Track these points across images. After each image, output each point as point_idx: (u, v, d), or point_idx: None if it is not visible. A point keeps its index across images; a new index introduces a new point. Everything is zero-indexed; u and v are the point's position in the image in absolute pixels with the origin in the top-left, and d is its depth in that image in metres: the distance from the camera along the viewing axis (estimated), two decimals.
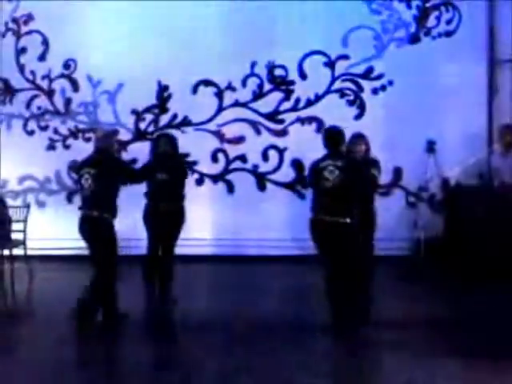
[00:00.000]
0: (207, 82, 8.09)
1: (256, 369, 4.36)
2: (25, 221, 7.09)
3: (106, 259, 5.23)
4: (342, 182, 4.98)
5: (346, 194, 4.99)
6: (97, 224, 5.31)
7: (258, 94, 8.09)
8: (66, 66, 8.22)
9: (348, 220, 4.95)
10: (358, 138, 5.74)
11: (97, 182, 5.27)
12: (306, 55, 8.01)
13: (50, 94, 8.28)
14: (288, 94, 8.08)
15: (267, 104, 8.08)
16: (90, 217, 5.33)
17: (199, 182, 8.09)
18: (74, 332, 5.25)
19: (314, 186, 5.25)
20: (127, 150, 8.01)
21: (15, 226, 7.00)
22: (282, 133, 8.08)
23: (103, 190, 5.29)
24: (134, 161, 7.97)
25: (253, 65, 8.04)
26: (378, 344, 4.93)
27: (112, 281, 5.31)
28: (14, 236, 6.94)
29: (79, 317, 5.23)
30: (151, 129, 8.17)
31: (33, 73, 8.27)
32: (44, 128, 8.29)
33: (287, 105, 8.08)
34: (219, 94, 8.10)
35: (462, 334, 5.09)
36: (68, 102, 8.26)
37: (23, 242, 6.98)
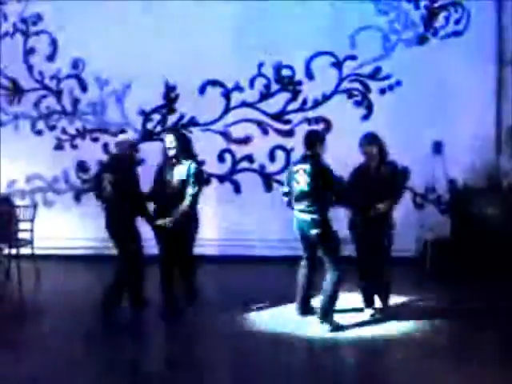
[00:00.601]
0: (214, 83, 8.10)
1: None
2: (32, 220, 7.11)
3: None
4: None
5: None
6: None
7: (265, 95, 8.10)
8: (74, 66, 8.26)
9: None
10: (367, 138, 5.57)
11: None
12: (314, 55, 8.01)
13: (58, 94, 8.32)
14: (295, 94, 8.07)
15: (274, 104, 8.08)
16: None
17: (206, 181, 8.10)
18: (81, 330, 5.28)
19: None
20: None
21: (23, 226, 7.02)
22: (289, 133, 8.07)
23: None
24: (142, 161, 8.01)
25: (260, 65, 8.05)
26: (385, 342, 4.94)
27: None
28: (21, 235, 6.97)
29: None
30: (158, 129, 8.20)
31: (41, 73, 8.32)
32: (52, 128, 8.34)
33: (294, 105, 8.08)
34: (226, 95, 8.12)
35: (468, 333, 5.08)
36: (76, 102, 8.30)
37: (30, 242, 7.00)
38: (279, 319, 5.51)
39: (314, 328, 5.17)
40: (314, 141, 5.37)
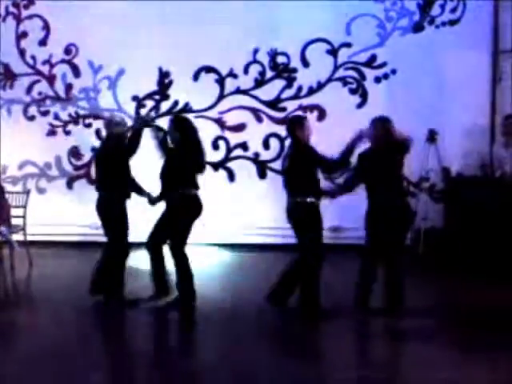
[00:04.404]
0: (209, 69, 8.05)
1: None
2: (24, 206, 7.07)
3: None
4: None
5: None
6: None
7: (260, 82, 8.06)
8: (67, 51, 8.18)
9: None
10: (374, 122, 5.34)
11: None
12: (309, 42, 7.97)
13: (50, 79, 8.24)
14: (290, 81, 8.04)
15: (269, 91, 8.05)
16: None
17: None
18: (72, 317, 5.26)
19: None
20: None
21: (15, 212, 6.97)
22: (284, 121, 8.02)
23: None
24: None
25: (255, 52, 8.00)
26: (376, 331, 4.96)
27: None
28: (13, 221, 6.92)
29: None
30: (152, 115, 8.14)
31: (33, 58, 8.23)
32: (44, 113, 8.27)
33: (289, 92, 8.05)
34: (221, 81, 8.07)
35: (460, 323, 5.10)
36: (69, 87, 8.22)
37: (23, 228, 6.96)
38: None
39: None
40: (291, 127, 5.39)
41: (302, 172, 5.24)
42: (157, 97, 8.15)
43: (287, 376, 4.03)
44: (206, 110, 8.04)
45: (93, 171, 8.04)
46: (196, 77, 8.06)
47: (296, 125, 5.38)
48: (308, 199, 5.18)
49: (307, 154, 5.25)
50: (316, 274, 5.20)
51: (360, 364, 4.34)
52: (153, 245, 5.52)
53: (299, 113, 7.90)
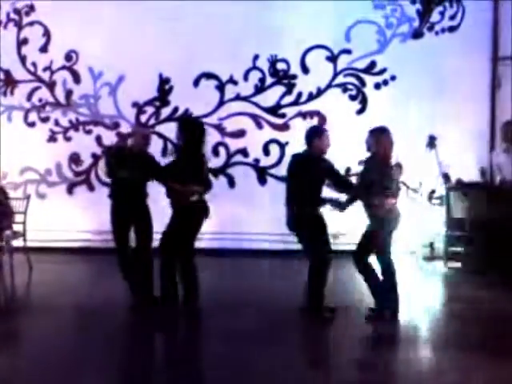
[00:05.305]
0: (209, 75, 8.07)
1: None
2: (25, 212, 7.07)
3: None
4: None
5: None
6: None
7: (260, 88, 8.08)
8: (68, 57, 8.20)
9: None
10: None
11: None
12: (309, 49, 7.99)
13: (51, 85, 8.26)
14: (290, 88, 8.06)
15: (269, 98, 8.07)
16: None
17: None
18: (72, 323, 5.25)
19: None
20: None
21: (15, 218, 6.97)
22: (284, 127, 8.06)
23: None
24: None
25: (255, 58, 8.02)
26: (378, 335, 4.95)
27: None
28: (13, 227, 6.92)
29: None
30: (152, 121, 8.17)
31: (34, 64, 8.25)
32: (45, 120, 8.28)
33: (289, 99, 8.07)
34: (221, 88, 8.08)
35: (462, 326, 5.10)
36: (69, 93, 8.24)
37: (23, 234, 6.96)
38: None
39: None
40: (309, 137, 5.37)
41: (309, 182, 5.26)
42: (157, 103, 8.17)
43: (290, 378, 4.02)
44: (206, 116, 8.05)
45: (92, 177, 8.18)
46: (196, 83, 8.08)
47: (314, 135, 5.38)
48: (311, 209, 5.21)
49: (319, 164, 5.28)
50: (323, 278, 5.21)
51: (363, 367, 4.33)
52: None
53: (299, 119, 7.96)
